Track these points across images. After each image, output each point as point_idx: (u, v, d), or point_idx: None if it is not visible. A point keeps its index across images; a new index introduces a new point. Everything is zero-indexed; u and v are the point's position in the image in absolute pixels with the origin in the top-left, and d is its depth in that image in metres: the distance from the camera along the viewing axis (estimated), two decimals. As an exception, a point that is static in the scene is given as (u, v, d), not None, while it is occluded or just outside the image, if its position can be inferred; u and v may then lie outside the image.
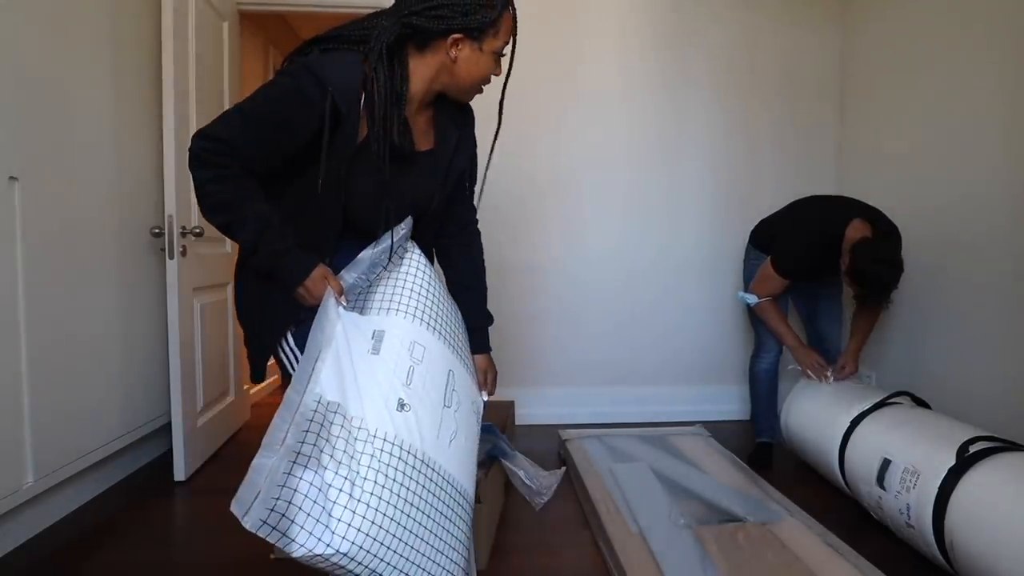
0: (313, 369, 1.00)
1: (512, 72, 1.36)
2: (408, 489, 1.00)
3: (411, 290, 1.21)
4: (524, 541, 1.98)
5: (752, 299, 2.54)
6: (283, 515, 0.88)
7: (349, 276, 1.16)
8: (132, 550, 1.92)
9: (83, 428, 2.16)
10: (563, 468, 2.12)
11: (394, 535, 0.95)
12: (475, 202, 1.49)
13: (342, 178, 1.17)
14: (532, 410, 3.14)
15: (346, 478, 0.93)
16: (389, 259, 1.21)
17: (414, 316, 1.19)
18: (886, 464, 1.88)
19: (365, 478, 0.95)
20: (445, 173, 1.33)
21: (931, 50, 2.64)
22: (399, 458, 1.01)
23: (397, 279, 1.22)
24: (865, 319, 2.49)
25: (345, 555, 0.90)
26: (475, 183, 1.47)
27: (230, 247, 2.96)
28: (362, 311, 1.17)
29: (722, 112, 3.23)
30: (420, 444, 1.05)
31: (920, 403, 2.18)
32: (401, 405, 1.06)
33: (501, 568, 1.81)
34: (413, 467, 1.02)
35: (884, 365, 2.89)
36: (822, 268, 2.41)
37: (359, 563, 0.92)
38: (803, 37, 3.16)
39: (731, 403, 3.28)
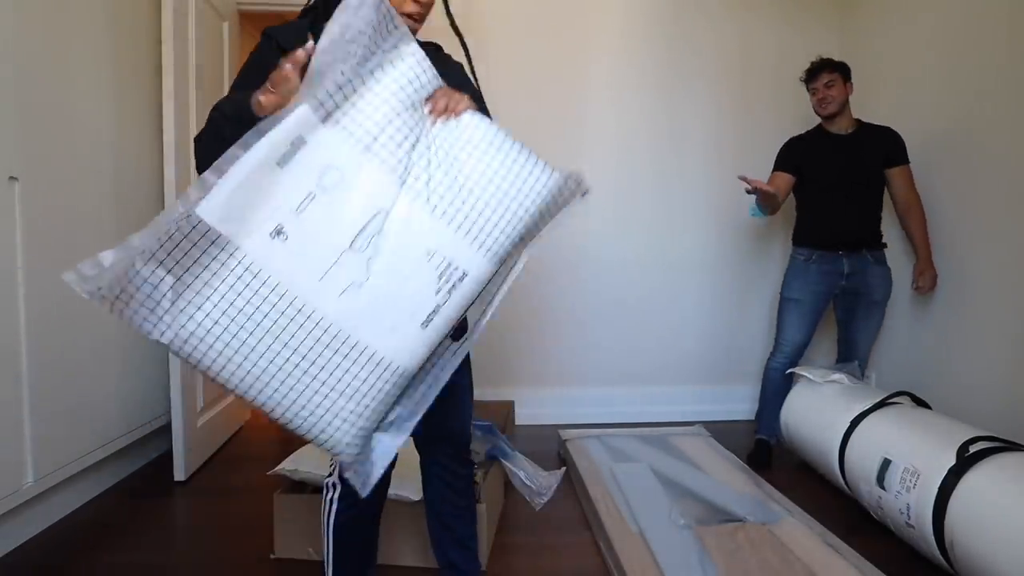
0: (222, 176, 0.95)
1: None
2: (254, 318, 0.97)
3: (371, 103, 1.00)
4: (524, 541, 1.98)
5: (754, 206, 2.60)
6: (119, 296, 0.97)
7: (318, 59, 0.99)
8: (132, 550, 1.92)
9: (83, 428, 2.16)
10: (563, 468, 2.12)
11: (227, 350, 0.98)
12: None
13: None
14: (532, 410, 3.14)
15: (193, 288, 0.96)
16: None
17: (352, 135, 0.99)
18: (886, 464, 1.88)
19: (214, 290, 0.96)
20: None
21: (930, 52, 2.64)
22: (249, 286, 0.97)
23: (371, 82, 1.01)
24: (912, 223, 2.54)
25: (171, 345, 0.97)
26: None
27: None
28: (324, 112, 0.99)
29: (721, 113, 3.22)
30: (289, 279, 0.98)
31: (920, 403, 2.18)
32: (278, 232, 0.97)
33: (501, 568, 1.81)
34: (265, 298, 0.97)
35: (884, 365, 2.89)
36: (813, 155, 2.57)
37: (189, 356, 0.98)
38: (800, 39, 3.16)
39: (732, 403, 3.28)
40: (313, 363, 1.00)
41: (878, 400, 2.14)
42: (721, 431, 2.94)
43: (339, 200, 0.99)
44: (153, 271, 0.95)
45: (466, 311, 1.13)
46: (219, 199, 0.94)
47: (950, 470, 1.66)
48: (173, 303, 0.95)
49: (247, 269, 0.96)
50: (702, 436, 2.81)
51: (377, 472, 1.10)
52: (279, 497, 1.85)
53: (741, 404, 3.23)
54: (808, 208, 2.66)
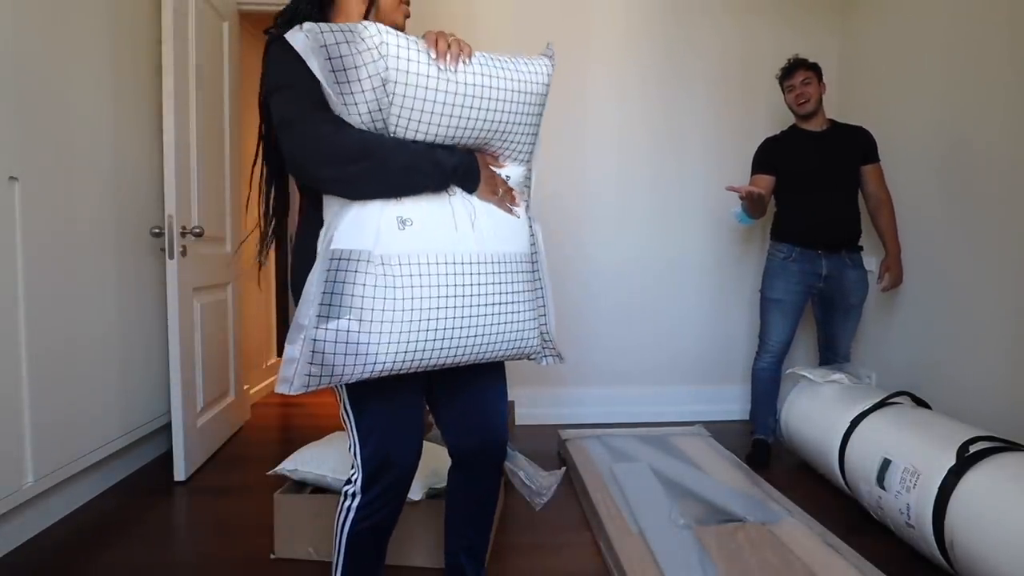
0: (332, 228, 1.12)
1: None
2: (435, 296, 1.11)
3: (395, 92, 1.10)
4: (524, 541, 1.98)
5: (739, 211, 2.65)
6: (321, 365, 1.06)
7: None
8: (132, 550, 1.92)
9: (83, 428, 2.16)
10: (563, 468, 2.12)
11: (431, 338, 1.11)
12: None
13: None
14: (532, 410, 3.14)
15: (371, 312, 1.07)
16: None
17: (406, 133, 1.15)
18: (886, 464, 1.88)
19: (386, 308, 1.08)
20: None
21: (931, 54, 2.64)
22: (414, 274, 1.10)
23: (382, 80, 1.09)
24: (882, 220, 2.60)
25: (392, 367, 1.09)
26: None
27: (230, 247, 2.96)
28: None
29: (721, 114, 3.22)
30: (436, 247, 1.13)
31: (920, 403, 2.18)
32: (402, 222, 1.12)
33: (501, 568, 1.81)
34: (433, 273, 1.12)
35: (884, 365, 2.89)
36: (790, 154, 2.63)
37: (408, 364, 1.11)
38: (800, 41, 3.16)
39: (731, 403, 3.28)
40: (494, 293, 1.18)
41: (878, 400, 2.14)
42: (721, 431, 2.94)
43: None
44: (333, 328, 1.06)
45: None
46: (342, 232, 1.10)
47: (950, 470, 1.66)
48: (369, 336, 1.07)
49: (406, 264, 1.10)
50: (702, 436, 2.81)
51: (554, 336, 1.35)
52: (279, 497, 1.85)
53: (741, 404, 3.23)
54: (787, 205, 2.70)
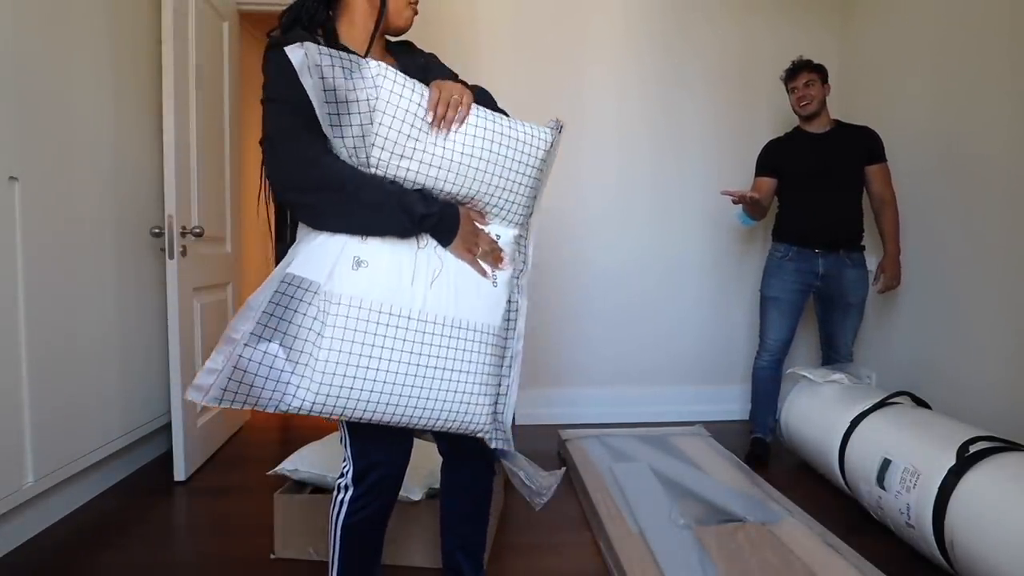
0: (295, 252, 1.11)
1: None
2: (369, 344, 1.07)
3: (385, 136, 1.09)
4: (524, 541, 1.98)
5: (742, 212, 2.66)
6: (240, 383, 1.02)
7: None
8: (132, 550, 1.92)
9: (83, 428, 2.16)
10: (563, 468, 2.11)
11: (357, 386, 1.06)
12: None
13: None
14: (532, 410, 3.14)
15: (304, 344, 1.04)
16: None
17: (392, 152, 1.11)
18: (886, 464, 1.88)
19: (317, 344, 1.04)
20: None
21: (930, 54, 2.64)
22: (358, 318, 1.07)
23: (364, 121, 1.08)
24: (884, 220, 2.59)
25: (310, 408, 1.05)
26: None
27: (230, 247, 2.96)
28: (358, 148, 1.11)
29: (721, 114, 3.23)
30: (384, 296, 1.09)
31: (920, 403, 2.18)
32: (358, 263, 1.09)
33: (501, 568, 1.81)
34: (373, 321, 1.07)
35: (884, 365, 2.89)
36: (791, 155, 2.63)
37: (327, 408, 1.06)
38: (800, 41, 3.16)
39: (731, 403, 3.28)
40: (436, 356, 1.12)
41: (878, 400, 2.14)
42: (721, 431, 2.94)
43: None
44: (262, 352, 1.03)
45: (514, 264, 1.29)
46: (301, 259, 1.08)
47: (950, 470, 1.66)
48: (294, 367, 1.04)
49: (348, 305, 1.06)
50: (702, 436, 2.81)
51: (509, 425, 1.26)
52: (279, 497, 1.85)
53: (741, 404, 3.23)
54: (787, 205, 2.71)
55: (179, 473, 2.40)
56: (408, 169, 1.12)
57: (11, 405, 1.84)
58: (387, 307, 1.09)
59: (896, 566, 1.77)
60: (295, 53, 1.05)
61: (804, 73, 2.58)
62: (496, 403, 1.23)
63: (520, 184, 1.22)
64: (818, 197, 2.58)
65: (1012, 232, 2.23)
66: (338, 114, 1.06)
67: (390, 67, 1.11)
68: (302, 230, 1.16)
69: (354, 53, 1.13)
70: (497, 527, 2.02)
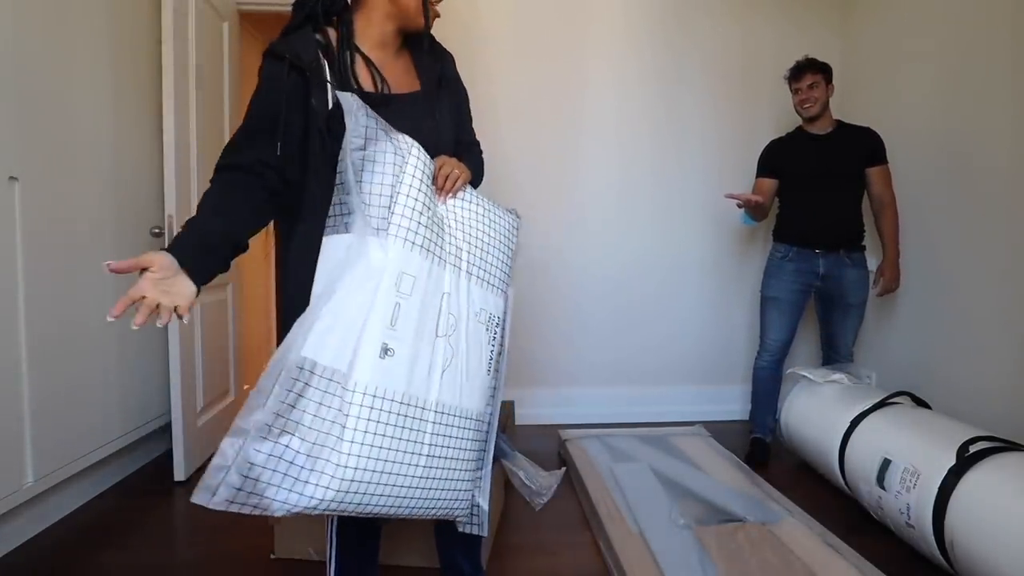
0: (309, 326, 1.01)
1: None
2: (389, 436, 1.02)
3: (404, 203, 1.09)
4: (524, 541, 1.98)
5: (748, 219, 2.68)
6: (252, 490, 0.94)
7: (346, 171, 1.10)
8: (132, 550, 1.92)
9: (83, 428, 2.16)
10: (563, 468, 2.12)
11: (373, 480, 1.00)
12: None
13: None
14: (532, 410, 3.14)
15: (326, 437, 0.97)
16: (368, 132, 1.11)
17: (405, 240, 1.08)
18: (886, 464, 1.88)
19: (341, 436, 0.98)
20: (440, 107, 1.31)
21: (931, 52, 2.64)
22: (379, 408, 1.01)
23: (393, 182, 1.09)
24: (884, 222, 2.59)
25: (324, 506, 0.97)
26: (468, 115, 1.44)
27: (230, 247, 2.95)
28: (350, 225, 1.08)
29: (722, 114, 3.23)
30: (405, 387, 1.05)
31: (920, 403, 2.18)
32: (385, 351, 1.03)
33: (501, 568, 1.81)
34: (394, 412, 1.03)
35: (884, 365, 2.89)
36: (792, 156, 2.64)
37: (340, 505, 0.99)
38: (802, 40, 3.16)
39: (731, 403, 3.28)
40: (432, 444, 1.10)
41: (878, 400, 2.14)
42: (721, 431, 2.94)
43: (418, 301, 1.09)
44: (275, 444, 0.95)
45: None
46: (317, 334, 1.00)
47: (950, 470, 1.66)
48: (314, 463, 0.96)
49: (373, 395, 1.00)
50: (702, 436, 2.81)
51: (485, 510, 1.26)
52: (279, 497, 1.84)
53: (741, 404, 3.23)
54: (788, 206, 2.71)
55: (179, 473, 2.40)
56: (420, 223, 1.12)
57: (11, 405, 1.84)
58: (407, 398, 1.05)
59: (896, 566, 1.77)
60: (348, 99, 1.06)
61: (808, 75, 2.56)
62: (475, 485, 1.23)
63: (502, 253, 1.27)
64: (819, 198, 2.58)
65: (1012, 232, 2.23)
66: (364, 168, 1.09)
67: (415, 144, 1.14)
68: (322, 271, 1.09)
69: (363, 55, 1.19)
70: (497, 527, 2.02)
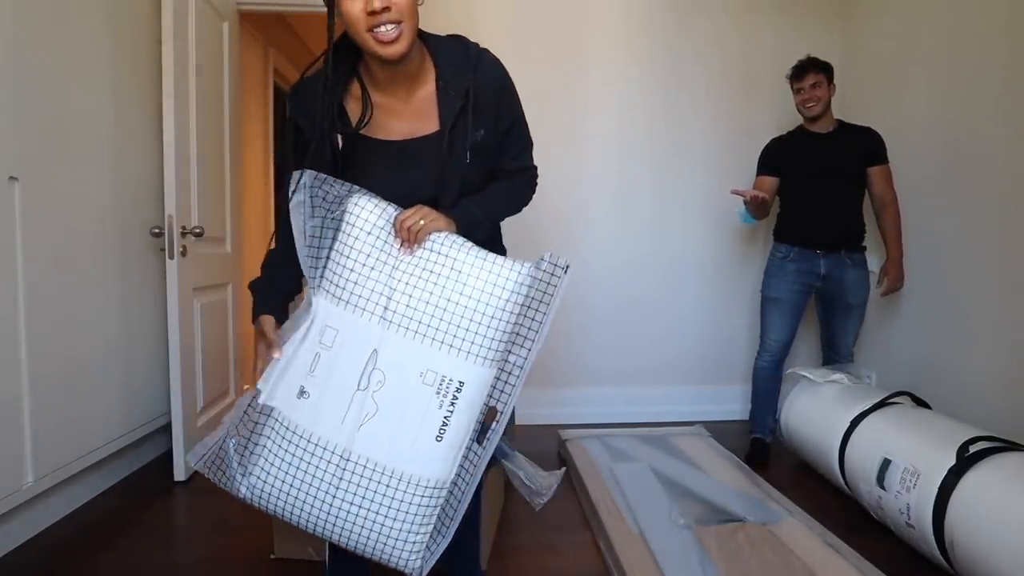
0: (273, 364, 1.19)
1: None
2: (295, 466, 1.15)
3: (335, 259, 1.17)
4: (524, 541, 1.98)
5: (744, 211, 2.67)
6: (216, 467, 1.18)
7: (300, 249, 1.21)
8: (132, 550, 1.92)
9: (83, 428, 2.16)
10: (563, 468, 2.11)
11: (282, 498, 1.16)
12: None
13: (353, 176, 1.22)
14: (532, 410, 3.14)
15: (247, 446, 1.17)
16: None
17: (330, 294, 1.16)
18: (886, 464, 1.88)
19: (267, 449, 1.16)
20: (448, 154, 1.22)
21: (931, 53, 2.64)
22: (290, 440, 1.15)
23: (336, 244, 1.17)
24: (885, 222, 2.59)
25: (250, 500, 1.17)
26: (515, 141, 1.35)
27: (230, 247, 2.96)
28: (315, 287, 1.21)
29: (721, 114, 3.23)
30: (316, 428, 1.15)
31: (920, 403, 2.18)
32: (301, 392, 1.15)
33: (501, 568, 1.81)
34: (305, 449, 1.15)
35: (884, 365, 2.89)
36: (794, 155, 2.64)
37: (267, 506, 1.17)
38: (801, 40, 3.16)
39: (731, 403, 3.28)
40: (355, 494, 1.14)
41: (878, 400, 2.14)
42: (721, 431, 2.94)
43: (340, 353, 1.15)
44: (231, 444, 1.17)
45: (485, 413, 1.22)
46: (271, 379, 1.17)
47: (950, 470, 1.66)
48: (242, 465, 1.16)
49: (285, 427, 1.15)
50: (702, 436, 2.81)
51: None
52: (279, 497, 1.85)
53: (741, 404, 3.23)
54: (789, 206, 2.71)
55: (179, 473, 2.40)
56: (348, 280, 1.17)
57: (11, 405, 1.84)
58: (315, 438, 1.14)
59: (896, 566, 1.77)
60: (296, 176, 1.17)
61: (811, 74, 2.56)
62: (431, 544, 1.22)
63: (481, 315, 1.14)
64: (820, 197, 2.58)
65: (1013, 232, 2.23)
66: (310, 230, 1.20)
67: (366, 199, 1.17)
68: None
69: (366, 92, 1.20)
70: (497, 527, 2.02)
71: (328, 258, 1.17)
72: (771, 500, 2.12)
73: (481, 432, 1.22)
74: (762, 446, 2.66)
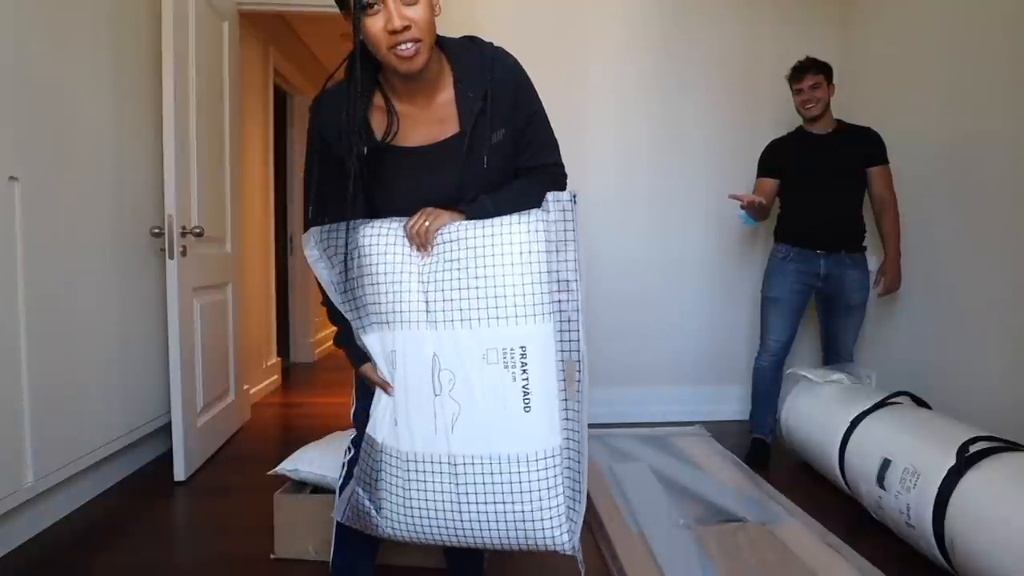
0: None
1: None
2: (413, 489, 1.17)
3: (369, 293, 1.19)
4: (524, 541, 1.97)
5: (748, 219, 2.68)
6: (356, 511, 1.23)
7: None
8: (132, 550, 1.92)
9: (83, 428, 2.16)
10: (563, 468, 2.12)
11: (422, 520, 1.18)
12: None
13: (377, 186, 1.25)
14: (532, 410, 3.14)
15: (377, 486, 1.21)
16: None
17: (379, 324, 1.20)
18: (886, 464, 1.88)
19: (387, 483, 1.19)
20: (469, 156, 1.23)
21: (931, 53, 2.64)
22: (401, 467, 1.18)
23: (361, 280, 1.20)
24: (884, 223, 2.59)
25: (393, 537, 1.21)
26: (534, 138, 1.36)
27: (230, 247, 2.96)
28: (362, 327, 1.23)
29: (721, 113, 3.23)
30: (417, 446, 1.17)
31: (920, 403, 2.18)
32: (395, 421, 1.19)
33: (501, 568, 1.81)
34: (416, 471, 1.17)
35: (884, 365, 2.89)
36: (794, 156, 2.64)
37: (410, 539, 1.21)
38: (802, 40, 3.16)
39: (731, 403, 3.28)
40: (475, 493, 1.16)
41: (878, 400, 2.14)
42: (721, 431, 2.94)
43: (407, 370, 1.18)
44: (360, 492, 1.23)
45: (565, 370, 1.22)
46: (376, 419, 1.22)
47: (950, 470, 1.66)
48: (378, 508, 1.20)
49: (395, 457, 1.19)
50: (702, 436, 2.81)
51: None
52: (279, 497, 1.85)
53: (741, 404, 3.23)
54: (789, 206, 2.71)
55: (179, 473, 2.40)
56: (378, 302, 1.20)
57: (11, 405, 1.84)
58: (420, 455, 1.17)
59: (896, 566, 1.77)
60: (305, 239, 1.25)
61: (810, 75, 2.56)
62: (570, 514, 1.20)
63: (503, 276, 1.15)
64: (820, 198, 2.58)
65: (1013, 232, 2.23)
66: (333, 278, 1.23)
67: (371, 227, 1.20)
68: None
69: (390, 104, 1.21)
70: (497, 527, 2.02)
71: (362, 297, 1.20)
72: (771, 500, 2.12)
73: (568, 387, 1.23)
74: (762, 446, 2.66)
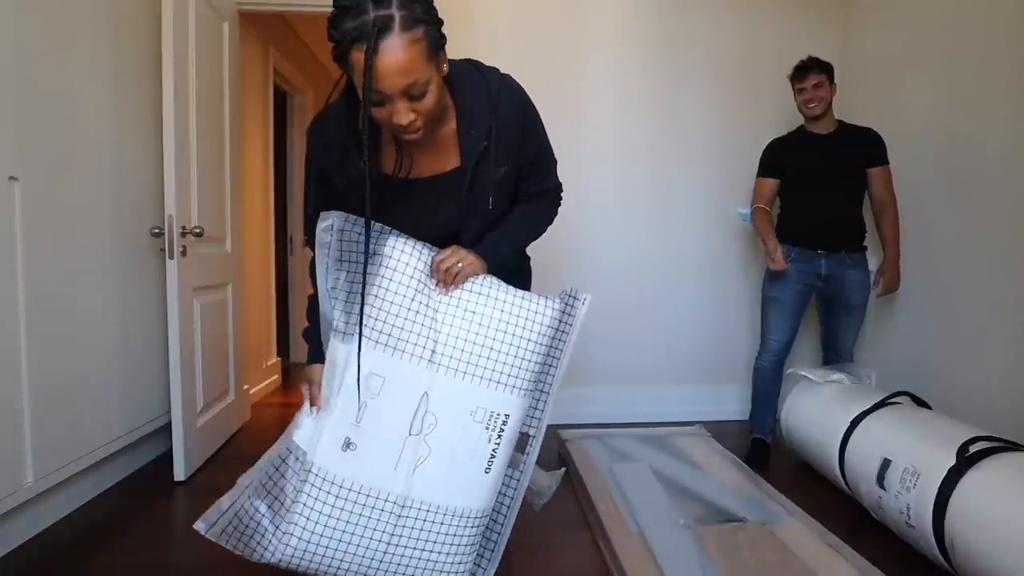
0: (301, 414, 1.19)
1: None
2: (344, 520, 1.13)
3: (374, 304, 1.16)
4: (524, 541, 1.97)
5: (747, 210, 2.69)
6: (235, 528, 1.15)
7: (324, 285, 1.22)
8: (132, 550, 1.92)
9: (83, 428, 2.16)
10: (563, 469, 2.12)
11: (328, 554, 1.14)
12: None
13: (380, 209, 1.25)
14: (532, 410, 3.14)
15: (288, 510, 1.13)
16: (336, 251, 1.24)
17: (376, 341, 1.15)
18: (886, 464, 1.88)
19: (307, 507, 1.13)
20: (470, 191, 1.24)
21: (932, 52, 2.64)
22: (336, 495, 1.13)
23: (374, 289, 1.17)
24: (884, 224, 2.59)
25: (286, 563, 1.16)
26: (539, 167, 1.40)
27: (230, 247, 2.96)
28: (341, 332, 1.20)
29: (721, 111, 3.23)
30: (366, 479, 1.13)
31: (920, 403, 2.18)
32: (347, 444, 1.14)
33: (501, 568, 1.80)
34: (356, 502, 1.13)
35: (884, 365, 2.89)
36: (795, 156, 2.64)
37: (302, 564, 1.16)
38: (802, 37, 3.16)
39: (731, 403, 3.28)
40: (413, 538, 1.15)
41: (878, 400, 2.14)
42: (721, 431, 2.94)
43: (388, 400, 1.15)
44: (255, 506, 1.14)
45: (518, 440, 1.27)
46: (306, 434, 1.16)
47: (950, 470, 1.66)
48: (277, 526, 1.13)
49: (330, 483, 1.12)
50: (702, 436, 2.81)
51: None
52: (279, 497, 1.84)
53: (741, 404, 3.23)
54: (790, 206, 2.71)
55: (179, 473, 2.40)
56: (393, 324, 1.18)
57: (11, 405, 1.83)
58: (366, 489, 1.13)
59: (896, 566, 1.77)
60: (326, 219, 1.22)
61: (813, 75, 2.56)
62: (475, 570, 1.28)
63: (516, 348, 1.20)
64: (821, 197, 2.58)
65: (1013, 232, 2.23)
66: (340, 277, 1.22)
67: (402, 241, 1.19)
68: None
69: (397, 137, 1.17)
70: (497, 527, 2.02)
71: (363, 303, 1.14)
72: (771, 500, 2.12)
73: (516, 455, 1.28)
74: (762, 446, 2.66)
